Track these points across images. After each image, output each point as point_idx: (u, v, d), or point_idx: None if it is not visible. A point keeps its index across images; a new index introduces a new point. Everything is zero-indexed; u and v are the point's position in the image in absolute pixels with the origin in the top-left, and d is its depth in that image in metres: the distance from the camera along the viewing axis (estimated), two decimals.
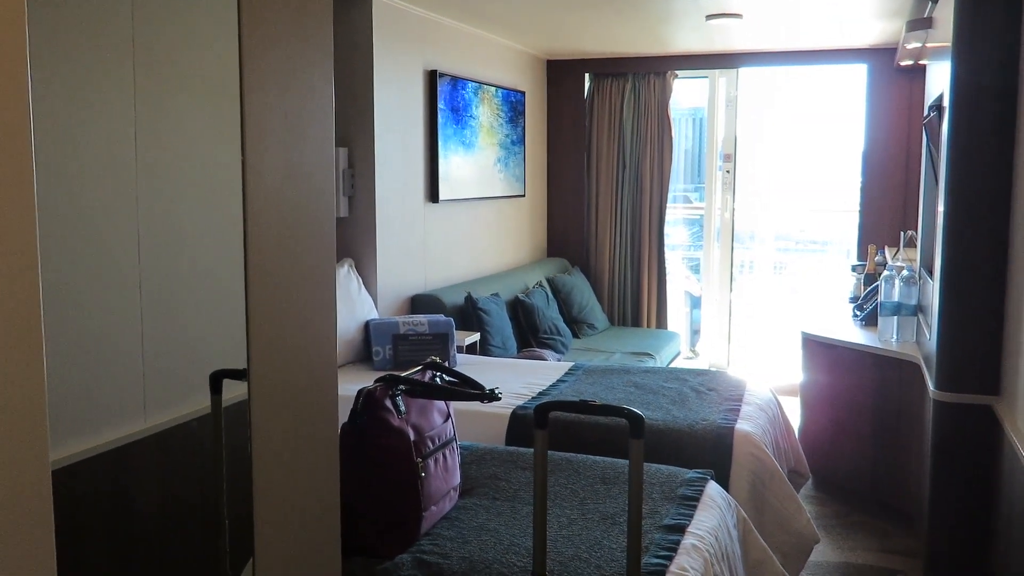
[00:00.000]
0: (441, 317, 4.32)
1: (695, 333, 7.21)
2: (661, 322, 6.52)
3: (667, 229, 6.58)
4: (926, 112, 4.19)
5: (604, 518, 2.41)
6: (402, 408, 2.31)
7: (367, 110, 4.43)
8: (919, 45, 4.52)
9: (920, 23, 4.24)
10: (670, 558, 2.18)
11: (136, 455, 1.46)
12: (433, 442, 2.40)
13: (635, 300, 6.52)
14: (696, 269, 7.33)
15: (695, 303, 7.24)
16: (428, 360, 2.50)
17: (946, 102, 3.26)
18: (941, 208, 3.27)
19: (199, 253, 1.56)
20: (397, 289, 4.71)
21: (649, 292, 6.50)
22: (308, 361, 1.58)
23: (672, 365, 5.71)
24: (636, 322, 6.52)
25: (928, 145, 4.15)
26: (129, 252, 1.41)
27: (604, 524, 2.37)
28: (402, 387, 2.32)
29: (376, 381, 2.32)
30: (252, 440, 1.45)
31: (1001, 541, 2.87)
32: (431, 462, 2.36)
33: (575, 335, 5.74)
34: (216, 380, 1.55)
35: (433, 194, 4.98)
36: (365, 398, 2.25)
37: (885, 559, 3.65)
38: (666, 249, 6.58)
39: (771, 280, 9.29)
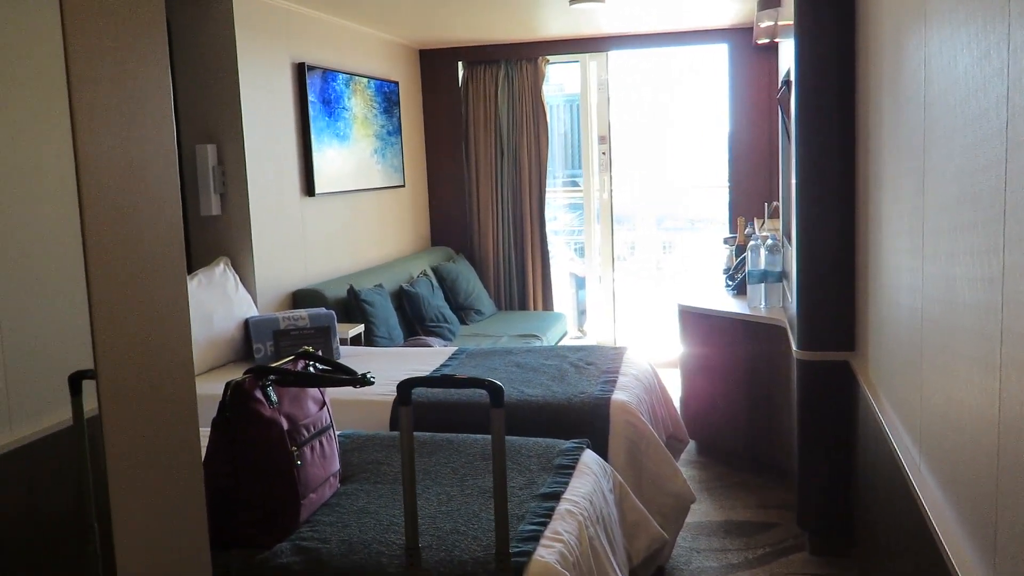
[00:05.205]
0: (322, 310, 4.29)
1: (582, 313, 7.35)
2: (547, 304, 6.62)
3: (554, 213, 6.68)
4: (780, 87, 4.38)
5: (482, 492, 2.46)
6: (273, 398, 2.31)
7: (234, 105, 4.36)
8: (772, 23, 4.72)
9: (770, 2, 4.42)
10: (545, 523, 2.25)
11: (2, 469, 1.43)
12: (308, 430, 2.40)
13: (521, 284, 6.60)
14: (583, 251, 7.48)
15: (580, 284, 7.39)
16: (300, 350, 2.51)
17: (793, 76, 3.43)
18: (794, 178, 3.45)
19: (48, 251, 1.53)
20: (277, 285, 4.65)
21: (534, 275, 6.59)
22: (161, 358, 1.57)
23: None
24: (523, 306, 6.60)
25: (783, 118, 4.35)
26: None
27: (483, 498, 2.42)
28: (272, 377, 2.32)
29: (245, 373, 2.32)
30: (105, 443, 1.44)
31: (861, 485, 3.06)
32: (307, 450, 2.37)
33: (462, 322, 5.79)
34: (76, 382, 1.53)
35: (309, 188, 4.94)
36: (233, 390, 2.24)
37: (763, 514, 3.83)
38: (550, 232, 6.68)
39: (660, 258, 9.54)
